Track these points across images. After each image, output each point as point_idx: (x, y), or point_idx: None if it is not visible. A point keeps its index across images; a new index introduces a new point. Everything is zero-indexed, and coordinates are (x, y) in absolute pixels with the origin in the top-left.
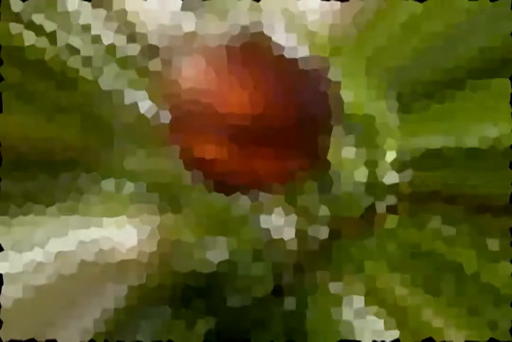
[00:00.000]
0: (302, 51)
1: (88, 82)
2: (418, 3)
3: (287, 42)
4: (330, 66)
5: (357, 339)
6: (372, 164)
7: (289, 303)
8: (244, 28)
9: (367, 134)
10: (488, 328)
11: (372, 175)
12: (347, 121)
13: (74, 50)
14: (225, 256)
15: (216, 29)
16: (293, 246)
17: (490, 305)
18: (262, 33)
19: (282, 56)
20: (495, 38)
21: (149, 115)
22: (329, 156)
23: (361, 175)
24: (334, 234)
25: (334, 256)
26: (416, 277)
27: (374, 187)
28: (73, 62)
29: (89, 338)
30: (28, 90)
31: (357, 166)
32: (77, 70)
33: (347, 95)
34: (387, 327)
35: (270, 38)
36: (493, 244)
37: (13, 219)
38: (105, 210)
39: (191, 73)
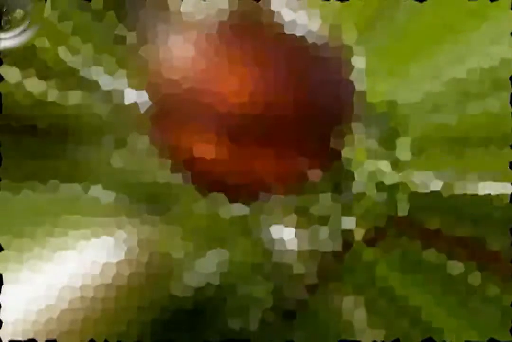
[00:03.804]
0: (313, 33)
1: (88, 81)
2: (418, 3)
3: (296, 19)
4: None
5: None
6: (395, 164)
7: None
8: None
9: (392, 131)
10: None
11: (393, 175)
12: (370, 116)
13: (74, 49)
14: (225, 256)
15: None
16: (293, 247)
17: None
18: (262, 9)
19: (287, 38)
20: (495, 38)
21: (147, 115)
22: (346, 155)
23: (381, 175)
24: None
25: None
26: (422, 278)
27: (394, 188)
28: (73, 62)
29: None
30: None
31: (376, 166)
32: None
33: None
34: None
35: (273, 12)
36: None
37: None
38: (93, 218)
39: (188, 69)
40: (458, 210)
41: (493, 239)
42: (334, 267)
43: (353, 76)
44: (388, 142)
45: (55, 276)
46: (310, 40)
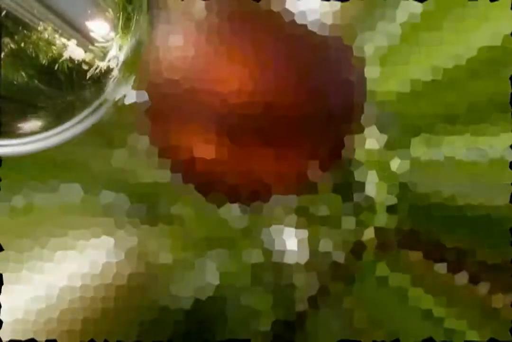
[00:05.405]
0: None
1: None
2: (418, 3)
3: (296, 19)
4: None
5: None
6: (395, 164)
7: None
8: None
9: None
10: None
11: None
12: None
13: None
14: (225, 256)
15: None
16: (293, 247)
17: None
18: (262, 9)
19: (287, 38)
20: (495, 38)
21: (147, 115)
22: (346, 155)
23: (381, 175)
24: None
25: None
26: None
27: (394, 188)
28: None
29: None
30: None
31: (377, 166)
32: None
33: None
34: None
35: (273, 12)
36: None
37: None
38: (88, 220)
39: (188, 69)
40: (459, 209)
41: (494, 239)
42: (334, 267)
43: (354, 76)
44: (388, 142)
45: (55, 276)
46: (310, 40)
